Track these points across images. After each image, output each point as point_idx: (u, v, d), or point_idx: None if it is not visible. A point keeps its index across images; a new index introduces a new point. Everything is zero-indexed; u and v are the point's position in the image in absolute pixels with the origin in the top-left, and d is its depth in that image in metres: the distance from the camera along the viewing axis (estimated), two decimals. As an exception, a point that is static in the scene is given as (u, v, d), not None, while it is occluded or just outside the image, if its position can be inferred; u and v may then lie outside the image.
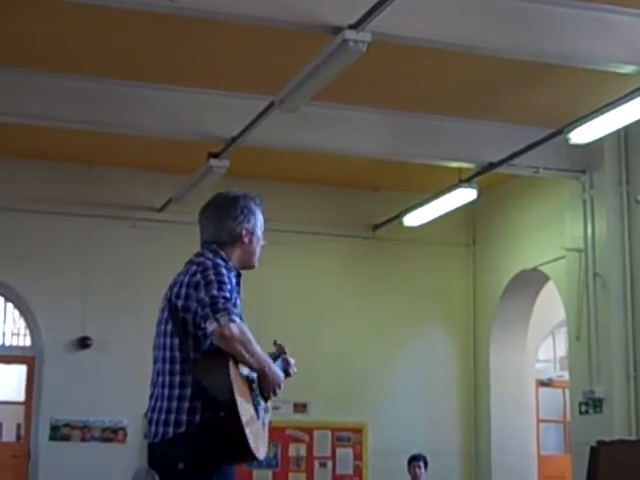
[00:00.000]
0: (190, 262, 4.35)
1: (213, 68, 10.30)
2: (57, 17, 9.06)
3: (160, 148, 12.21)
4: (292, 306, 13.75)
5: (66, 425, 12.92)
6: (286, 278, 13.86)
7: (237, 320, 4.07)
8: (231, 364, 4.09)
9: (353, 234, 14.29)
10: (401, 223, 13.49)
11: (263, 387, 4.28)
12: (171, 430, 4.14)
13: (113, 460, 12.70)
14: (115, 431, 13.07)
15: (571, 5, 8.75)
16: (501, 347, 14.22)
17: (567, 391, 13.41)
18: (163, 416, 4.19)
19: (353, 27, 7.98)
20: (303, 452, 13.85)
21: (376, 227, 14.34)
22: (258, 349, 4.17)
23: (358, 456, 14.08)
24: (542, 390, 14.95)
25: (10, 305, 13.35)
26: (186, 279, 4.24)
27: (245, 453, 4.11)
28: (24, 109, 10.51)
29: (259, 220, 4.48)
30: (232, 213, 4.41)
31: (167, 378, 4.22)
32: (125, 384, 12.84)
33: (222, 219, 4.41)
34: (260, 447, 4.20)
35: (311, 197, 14.08)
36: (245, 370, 4.20)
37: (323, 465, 13.94)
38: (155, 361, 4.32)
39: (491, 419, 14.10)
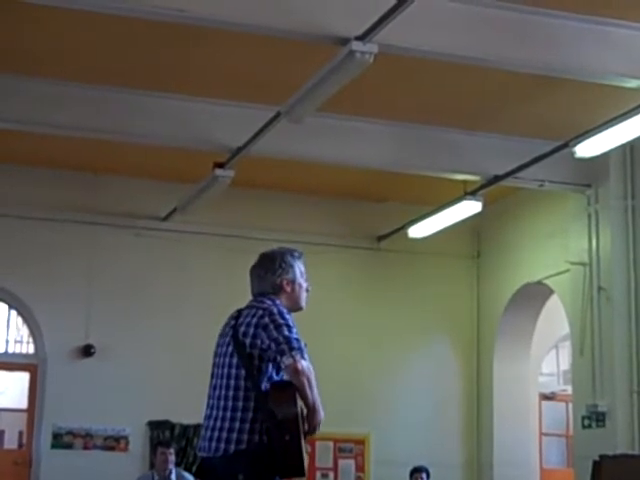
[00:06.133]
0: (252, 307, 4.99)
1: (219, 78, 10.31)
2: (65, 25, 9.07)
3: (165, 157, 12.21)
4: (296, 316, 13.70)
5: (68, 433, 12.89)
6: (290, 288, 13.81)
7: (306, 359, 4.80)
8: (297, 397, 4.80)
9: (358, 245, 14.27)
10: (406, 235, 13.47)
11: (309, 421, 4.89)
12: (232, 447, 4.77)
13: (115, 468, 12.69)
14: (117, 439, 13.04)
15: (577, 19, 8.77)
16: (504, 360, 14.20)
17: (570, 405, 13.40)
18: (225, 434, 4.81)
19: (360, 38, 8.00)
20: (305, 463, 13.79)
21: (381, 238, 14.33)
22: (315, 388, 4.87)
23: (360, 467, 14.03)
24: (545, 403, 14.92)
25: (13, 312, 13.34)
26: (253, 320, 4.89)
27: (299, 470, 4.78)
28: (30, 116, 10.51)
29: (298, 269, 5.15)
30: (272, 268, 5.08)
31: (230, 402, 4.85)
32: (128, 392, 12.84)
33: (265, 274, 5.09)
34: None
35: (316, 208, 14.07)
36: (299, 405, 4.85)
37: (325, 476, 13.90)
38: (215, 387, 4.95)
39: (494, 431, 14.07)
